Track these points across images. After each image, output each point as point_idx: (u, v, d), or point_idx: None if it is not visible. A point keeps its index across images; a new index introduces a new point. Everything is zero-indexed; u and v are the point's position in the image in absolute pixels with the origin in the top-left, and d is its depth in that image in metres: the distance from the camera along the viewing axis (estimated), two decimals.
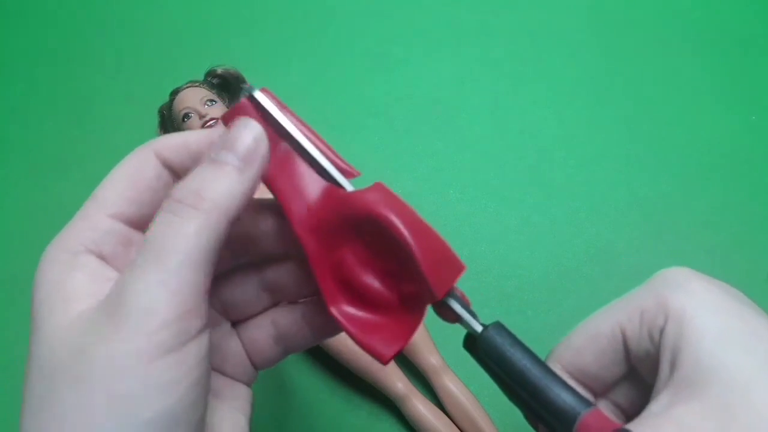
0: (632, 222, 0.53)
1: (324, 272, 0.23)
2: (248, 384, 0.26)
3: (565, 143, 0.57)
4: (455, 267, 0.23)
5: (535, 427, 0.25)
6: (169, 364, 0.19)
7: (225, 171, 0.21)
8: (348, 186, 0.23)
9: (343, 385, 0.47)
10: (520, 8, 0.65)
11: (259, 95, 0.22)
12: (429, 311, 0.24)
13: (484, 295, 0.50)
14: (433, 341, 0.46)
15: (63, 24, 0.66)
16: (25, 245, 0.53)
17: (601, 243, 0.52)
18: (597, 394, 0.25)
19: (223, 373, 0.26)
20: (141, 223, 0.23)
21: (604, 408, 0.24)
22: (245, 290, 0.26)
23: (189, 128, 0.50)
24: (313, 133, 0.23)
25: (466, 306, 0.24)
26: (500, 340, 0.23)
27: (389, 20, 0.65)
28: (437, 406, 0.44)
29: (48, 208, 0.55)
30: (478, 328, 0.23)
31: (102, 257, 0.21)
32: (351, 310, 0.23)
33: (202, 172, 0.21)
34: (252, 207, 0.24)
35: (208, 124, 0.50)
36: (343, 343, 0.44)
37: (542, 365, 0.23)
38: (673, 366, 0.20)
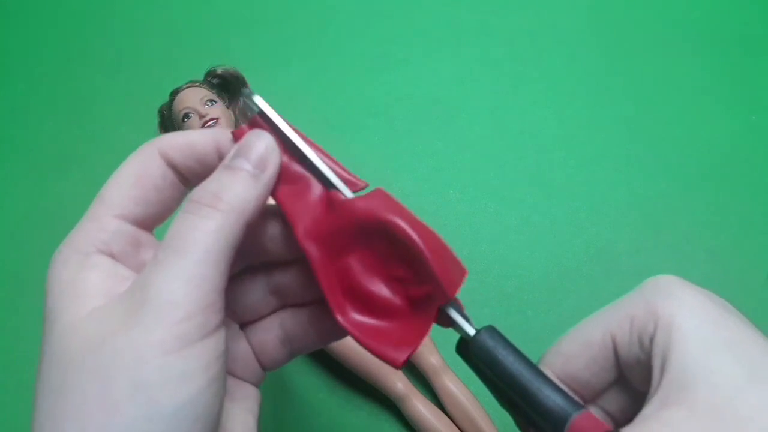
0: (632, 222, 0.53)
1: (330, 282, 0.23)
2: (256, 385, 0.27)
3: (565, 143, 0.57)
4: (460, 269, 0.24)
5: None
6: (190, 355, 0.19)
7: (240, 176, 0.22)
8: (349, 194, 0.23)
9: (343, 385, 0.47)
10: (520, 8, 0.65)
11: (267, 109, 0.23)
12: None
13: (484, 295, 0.50)
14: (433, 341, 0.46)
15: (63, 24, 0.66)
16: (26, 245, 0.53)
17: (600, 243, 0.52)
18: (586, 401, 0.25)
19: (233, 374, 0.26)
20: (148, 223, 0.23)
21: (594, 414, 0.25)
22: (253, 293, 0.26)
23: (189, 128, 0.50)
24: (319, 148, 0.24)
25: (459, 310, 0.24)
26: (492, 344, 0.23)
27: (389, 20, 0.65)
28: (437, 406, 0.44)
29: (48, 208, 0.55)
30: (471, 332, 0.23)
31: (113, 257, 0.22)
32: (359, 317, 0.23)
33: (219, 177, 0.22)
34: (260, 212, 0.25)
35: (208, 123, 0.50)
36: (343, 343, 0.44)
37: (534, 368, 0.23)
38: (662, 372, 0.21)
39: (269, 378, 0.48)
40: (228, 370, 0.26)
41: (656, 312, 0.22)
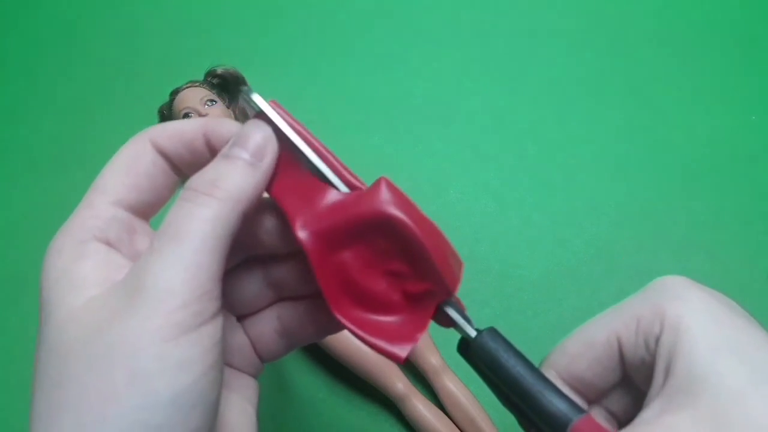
0: (632, 222, 0.53)
1: (327, 277, 0.23)
2: (255, 376, 0.27)
3: (565, 143, 0.57)
4: (458, 262, 0.24)
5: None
6: (186, 343, 0.19)
7: (237, 165, 0.22)
8: (345, 190, 0.23)
9: (343, 385, 0.47)
10: (520, 8, 0.65)
11: (266, 108, 0.23)
12: None
13: (485, 295, 0.50)
14: (433, 341, 0.46)
15: (63, 23, 0.66)
16: (25, 244, 0.53)
17: (601, 243, 0.52)
18: (590, 402, 0.25)
19: (231, 365, 0.26)
20: (141, 210, 0.23)
21: (597, 415, 0.25)
22: (250, 285, 0.26)
23: None
24: (321, 144, 0.24)
25: (460, 310, 0.24)
26: (494, 346, 0.23)
27: (389, 20, 0.65)
28: (437, 406, 0.44)
29: (48, 207, 0.55)
30: (472, 333, 0.23)
31: (109, 244, 0.22)
32: (358, 313, 0.23)
33: (216, 166, 0.22)
34: (257, 202, 0.25)
35: None
36: (343, 343, 0.44)
37: (535, 371, 0.23)
38: (666, 374, 0.21)
39: (269, 378, 0.48)
40: (226, 361, 0.26)
41: (663, 313, 0.22)
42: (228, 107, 0.53)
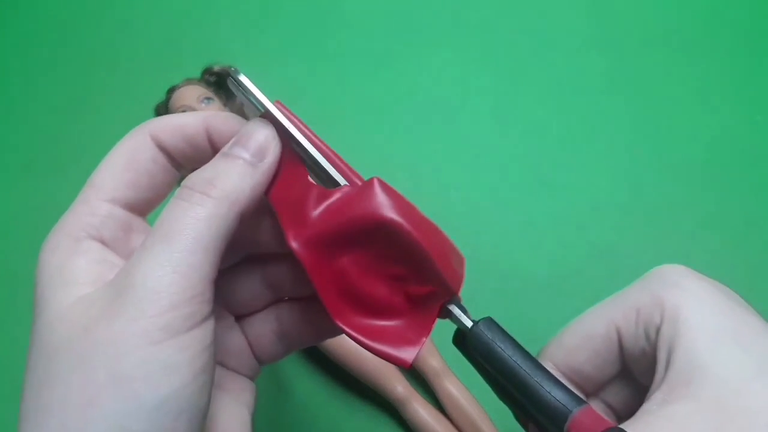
0: (635, 222, 0.53)
1: (326, 285, 0.22)
2: (252, 378, 0.26)
3: (567, 143, 0.57)
4: (459, 258, 0.23)
5: (525, 427, 0.25)
6: (174, 347, 0.18)
7: (236, 164, 0.21)
8: (346, 186, 0.23)
9: (342, 388, 0.46)
10: (522, 6, 0.64)
11: (268, 103, 0.22)
12: None
13: (486, 295, 0.49)
14: (434, 343, 0.46)
15: (59, 21, 0.66)
16: (22, 244, 0.53)
17: (603, 243, 0.52)
18: (589, 394, 0.25)
19: (227, 367, 0.25)
20: (139, 208, 0.23)
21: (596, 408, 0.24)
22: (248, 286, 0.26)
23: None
24: (326, 145, 0.23)
25: (456, 301, 0.23)
26: (490, 336, 0.23)
27: (390, 19, 0.64)
28: (438, 409, 0.44)
29: (44, 206, 0.53)
30: (468, 324, 0.23)
31: (103, 242, 0.21)
32: (359, 320, 0.23)
33: (215, 164, 0.21)
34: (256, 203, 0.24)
35: None
36: (342, 346, 0.43)
37: (533, 362, 0.22)
38: (667, 365, 0.20)
39: (267, 380, 0.47)
40: (222, 363, 0.25)
41: (662, 302, 0.22)
42: (225, 105, 0.53)
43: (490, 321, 0.23)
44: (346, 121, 0.58)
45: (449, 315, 0.23)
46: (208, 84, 0.54)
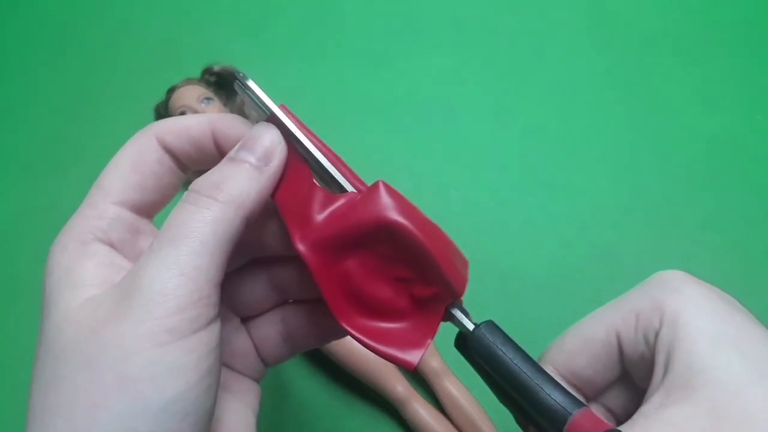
0: (635, 222, 0.53)
1: (331, 288, 0.22)
2: (257, 380, 0.26)
3: (567, 143, 0.56)
4: (463, 261, 0.23)
5: (525, 430, 0.25)
6: (180, 349, 0.19)
7: (243, 168, 0.21)
8: (351, 191, 0.23)
9: (342, 388, 0.46)
10: (522, 6, 0.64)
11: (274, 107, 0.22)
12: None
13: (486, 296, 0.49)
14: (434, 344, 0.46)
15: (59, 21, 0.66)
16: (22, 244, 0.53)
17: (603, 243, 0.52)
18: (589, 398, 0.25)
19: (233, 369, 0.26)
20: (146, 210, 0.23)
21: (596, 411, 0.25)
22: (254, 288, 0.26)
23: None
24: (330, 150, 0.23)
25: (458, 304, 0.23)
26: (492, 339, 0.23)
27: (389, 19, 0.64)
28: (438, 409, 0.44)
29: (44, 207, 0.54)
30: (470, 327, 0.23)
31: (111, 245, 0.22)
32: (364, 322, 0.23)
33: (222, 168, 0.22)
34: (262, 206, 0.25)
35: None
36: (343, 346, 0.43)
37: (534, 365, 0.22)
38: (666, 369, 0.21)
39: (267, 380, 0.47)
40: (228, 364, 0.25)
41: (662, 307, 0.22)
42: (225, 105, 0.53)
43: (491, 324, 0.23)
44: (346, 121, 0.58)
45: (451, 318, 0.24)
46: (208, 84, 0.54)
